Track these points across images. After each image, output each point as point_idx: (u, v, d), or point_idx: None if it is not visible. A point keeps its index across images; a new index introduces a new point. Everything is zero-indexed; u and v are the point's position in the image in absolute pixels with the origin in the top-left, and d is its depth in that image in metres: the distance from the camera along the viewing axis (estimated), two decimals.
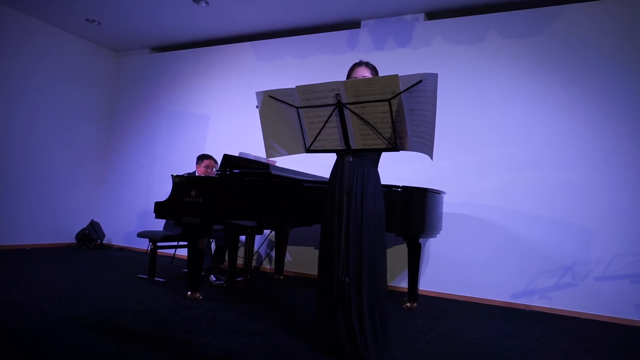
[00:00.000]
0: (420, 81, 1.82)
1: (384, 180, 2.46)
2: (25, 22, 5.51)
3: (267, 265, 5.19)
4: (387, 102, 1.91)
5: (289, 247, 4.93)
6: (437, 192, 3.56)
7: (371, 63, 2.43)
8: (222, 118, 5.72)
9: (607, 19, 3.95)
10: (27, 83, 5.57)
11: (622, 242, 3.69)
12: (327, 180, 3.58)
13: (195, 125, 5.94)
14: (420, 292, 4.05)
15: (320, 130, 2.13)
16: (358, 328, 2.15)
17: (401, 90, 1.86)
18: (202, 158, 4.40)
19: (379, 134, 2.00)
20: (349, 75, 2.42)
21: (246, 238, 3.84)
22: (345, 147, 2.12)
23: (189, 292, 3.38)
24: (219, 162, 3.50)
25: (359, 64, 2.41)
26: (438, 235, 3.81)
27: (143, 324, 2.63)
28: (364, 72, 2.37)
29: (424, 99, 1.86)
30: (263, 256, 5.22)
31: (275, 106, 2.17)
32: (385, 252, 2.34)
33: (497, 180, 4.19)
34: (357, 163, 2.26)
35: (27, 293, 3.21)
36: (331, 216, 2.27)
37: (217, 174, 3.36)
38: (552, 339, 2.96)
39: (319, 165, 4.62)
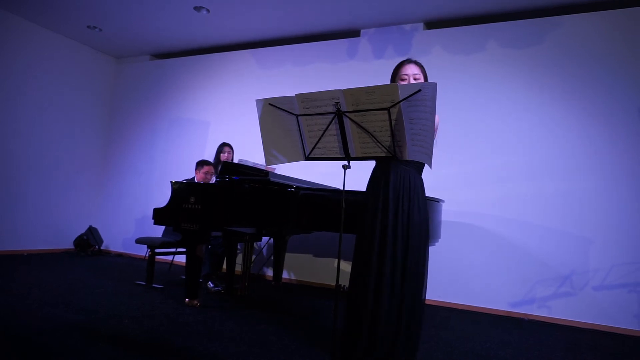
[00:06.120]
0: (420, 90, 1.84)
1: None
2: (26, 27, 5.54)
3: (265, 272, 5.17)
4: (386, 111, 1.92)
5: (287, 255, 4.91)
6: (436, 200, 3.56)
7: (419, 62, 2.32)
8: (222, 125, 5.73)
9: (607, 29, 3.99)
10: (26, 88, 5.58)
11: (620, 251, 3.70)
12: (328, 188, 3.60)
13: (195, 132, 5.95)
14: None
15: (320, 138, 2.13)
16: (400, 340, 2.06)
17: (400, 99, 1.87)
18: (201, 164, 4.40)
19: (378, 142, 2.01)
20: (395, 72, 2.32)
21: (244, 245, 3.83)
22: (344, 155, 2.13)
23: (187, 299, 3.37)
24: (218, 169, 3.51)
25: (408, 61, 2.30)
26: (437, 243, 3.80)
27: (140, 331, 2.61)
28: (414, 70, 2.26)
29: (423, 107, 1.87)
30: (261, 263, 5.21)
31: (275, 114, 2.18)
32: (427, 264, 2.22)
33: (496, 189, 4.20)
34: (403, 170, 2.18)
35: (24, 298, 3.19)
36: (373, 225, 2.16)
37: (217, 180, 3.36)
38: (551, 348, 2.95)
39: (319, 172, 4.63)
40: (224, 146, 4.65)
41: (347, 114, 2.01)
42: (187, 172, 5.35)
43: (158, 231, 4.58)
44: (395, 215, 2.13)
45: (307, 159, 2.22)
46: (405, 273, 2.10)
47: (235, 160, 4.59)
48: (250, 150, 4.72)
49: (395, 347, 2.07)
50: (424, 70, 2.32)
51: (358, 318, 2.14)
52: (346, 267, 4.28)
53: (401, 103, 1.88)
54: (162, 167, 6.07)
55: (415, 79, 2.25)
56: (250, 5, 4.75)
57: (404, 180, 2.17)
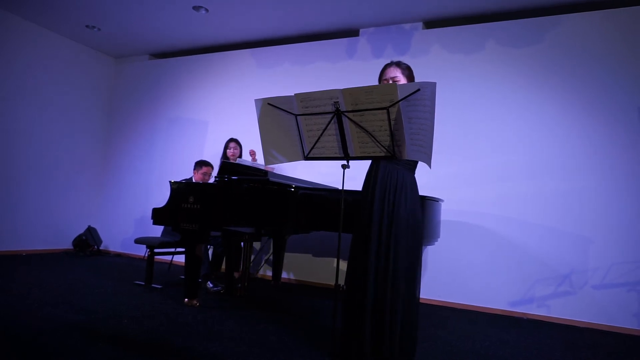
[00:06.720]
0: (419, 90, 1.84)
1: None
2: (26, 27, 5.53)
3: (264, 272, 5.17)
4: (385, 111, 1.92)
5: (286, 255, 4.91)
6: (435, 200, 3.56)
7: (404, 63, 2.33)
8: (221, 124, 5.72)
9: (606, 28, 3.98)
10: (25, 88, 5.58)
11: (619, 250, 3.70)
12: (327, 187, 3.60)
13: (194, 132, 5.95)
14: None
15: (319, 138, 2.13)
16: (388, 341, 2.05)
17: (399, 98, 1.87)
18: (200, 164, 4.40)
19: (377, 142, 2.01)
20: (380, 77, 2.34)
21: (244, 245, 3.83)
22: (343, 155, 2.13)
23: (186, 299, 3.37)
24: (218, 169, 3.51)
25: (390, 64, 2.32)
26: (436, 242, 3.80)
27: (140, 331, 2.61)
28: (394, 73, 2.27)
29: (422, 107, 1.87)
30: (260, 263, 5.21)
31: (274, 113, 2.18)
32: (421, 262, 2.19)
33: (495, 188, 4.20)
34: (392, 168, 2.18)
35: (24, 298, 3.19)
36: (364, 224, 2.17)
37: (216, 180, 3.36)
38: (550, 347, 2.95)
39: (319, 172, 4.63)
40: (230, 142, 4.64)
41: (346, 113, 2.01)
42: (186, 172, 5.34)
43: (157, 231, 4.57)
44: (381, 210, 2.13)
45: (306, 158, 2.23)
46: (389, 269, 2.08)
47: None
48: (249, 150, 4.72)
49: (384, 346, 2.05)
50: (408, 71, 2.31)
51: (352, 317, 2.14)
52: (345, 266, 4.28)
53: (400, 102, 1.88)
54: (162, 166, 6.07)
55: (394, 82, 2.23)
56: (250, 5, 4.74)
57: (391, 175, 2.17)
